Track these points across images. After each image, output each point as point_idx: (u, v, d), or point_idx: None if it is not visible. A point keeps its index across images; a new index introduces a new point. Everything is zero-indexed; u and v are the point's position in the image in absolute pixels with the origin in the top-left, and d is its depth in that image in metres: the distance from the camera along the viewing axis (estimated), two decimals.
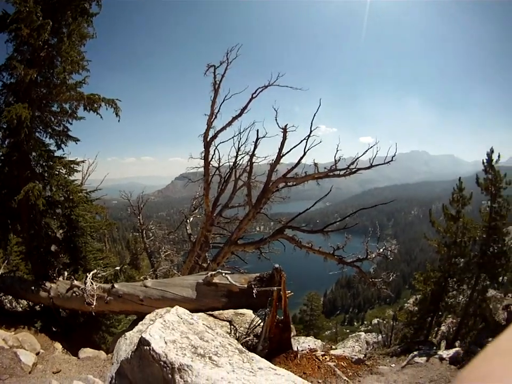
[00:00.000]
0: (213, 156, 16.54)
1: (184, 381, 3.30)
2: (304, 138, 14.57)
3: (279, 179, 15.28)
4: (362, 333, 15.80)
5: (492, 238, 14.42)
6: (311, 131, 14.46)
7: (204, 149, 16.25)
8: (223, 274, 9.15)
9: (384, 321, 29.20)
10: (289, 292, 9.10)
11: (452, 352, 11.71)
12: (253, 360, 3.87)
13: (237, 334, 8.21)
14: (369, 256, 14.30)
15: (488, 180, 14.43)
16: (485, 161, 14.63)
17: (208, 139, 16.11)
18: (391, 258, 15.39)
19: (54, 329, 11.95)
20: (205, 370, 3.34)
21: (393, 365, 11.36)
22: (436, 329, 17.46)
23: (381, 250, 14.63)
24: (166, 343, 3.80)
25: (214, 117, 15.83)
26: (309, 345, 10.39)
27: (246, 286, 8.81)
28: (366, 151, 14.18)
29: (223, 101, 15.79)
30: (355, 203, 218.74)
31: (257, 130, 15.39)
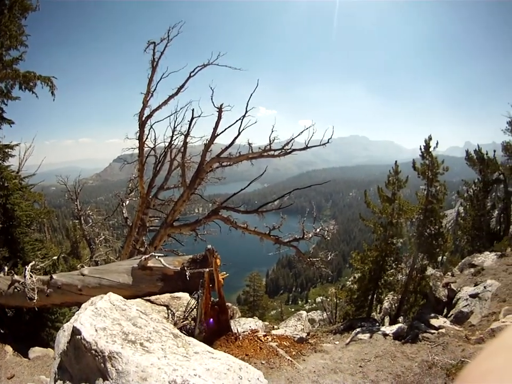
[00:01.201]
0: (147, 135, 15.99)
1: (115, 369, 3.19)
2: (239, 119, 14.44)
3: (213, 159, 15.08)
4: (304, 312, 15.90)
5: (429, 220, 14.89)
6: (246, 111, 14.34)
7: (138, 129, 15.65)
8: (157, 257, 8.78)
9: (328, 299, 29.87)
10: (224, 273, 8.88)
11: (395, 328, 12.02)
12: (189, 344, 3.88)
13: (175, 319, 8.05)
14: (305, 236, 14.46)
15: (425, 165, 14.87)
16: (422, 147, 15.04)
17: (143, 118, 15.53)
18: (328, 238, 15.60)
19: (1, 331, 11.34)
20: (134, 357, 3.26)
21: (337, 342, 11.50)
22: (379, 306, 17.94)
23: (318, 230, 14.83)
24: (96, 330, 3.69)
25: (150, 95, 15.26)
26: (250, 326, 10.27)
27: (179, 268, 8.53)
28: (301, 132, 14.28)
29: (160, 79, 15.32)
30: (292, 184, 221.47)
31: (193, 110, 15.05)
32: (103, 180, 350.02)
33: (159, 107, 15.61)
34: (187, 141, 15.54)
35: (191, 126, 15.32)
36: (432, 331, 11.45)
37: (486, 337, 9.64)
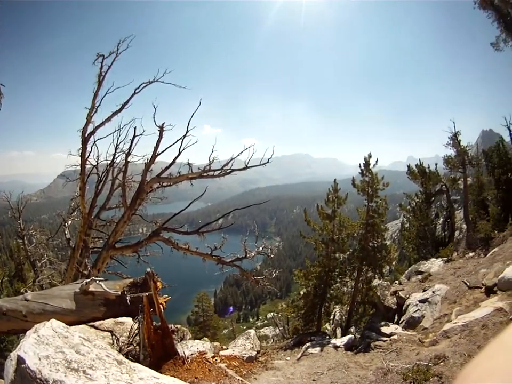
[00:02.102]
0: (89, 153, 15.47)
1: None
2: (180, 138, 14.33)
3: (153, 179, 14.80)
4: (252, 330, 15.84)
5: (371, 233, 15.27)
6: (187, 131, 14.27)
7: (81, 145, 15.14)
8: (97, 281, 8.45)
9: (279, 315, 29.89)
10: (166, 296, 8.70)
11: (345, 339, 12.16)
12: (134, 370, 3.86)
13: (120, 344, 7.77)
14: (248, 255, 14.33)
15: (365, 182, 15.28)
16: (362, 165, 15.44)
17: (86, 135, 15.01)
18: (272, 256, 15.54)
19: None
20: None
21: (288, 358, 11.48)
22: (332, 317, 18.14)
23: (261, 248, 14.73)
24: (39, 359, 3.62)
25: (94, 110, 14.78)
26: (198, 349, 10.06)
27: (120, 293, 8.25)
28: (241, 153, 14.38)
29: (106, 94, 14.84)
30: (236, 203, 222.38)
31: (135, 128, 14.83)
32: (47, 196, 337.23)
33: (102, 123, 15.11)
34: (128, 159, 15.25)
35: (133, 145, 15.05)
36: (384, 338, 11.74)
37: (439, 339, 9.84)
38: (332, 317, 19.96)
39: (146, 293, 7.74)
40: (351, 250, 16.52)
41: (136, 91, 15.07)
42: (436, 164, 27.93)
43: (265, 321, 70.01)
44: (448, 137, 26.79)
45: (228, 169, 14.55)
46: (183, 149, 14.25)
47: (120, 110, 15.06)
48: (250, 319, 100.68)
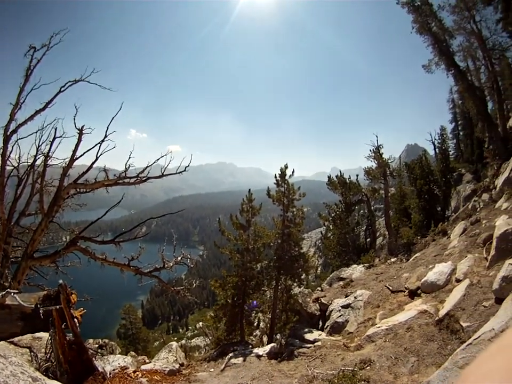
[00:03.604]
0: (10, 152, 14.51)
1: None
2: (99, 142, 13.87)
3: (69, 185, 14.11)
4: (174, 343, 15.65)
5: (287, 243, 15.51)
6: (105, 135, 13.84)
7: (2, 144, 14.18)
8: (12, 294, 7.88)
9: (208, 324, 29.71)
10: (81, 309, 8.31)
11: (268, 348, 12.12)
12: None
13: (38, 361, 7.34)
14: (166, 266, 14.09)
15: (281, 192, 15.53)
16: (277, 175, 15.69)
17: (8, 133, 14.08)
18: (191, 266, 15.35)
19: None
20: None
21: (212, 370, 11.30)
22: (260, 325, 18.20)
23: (179, 258, 14.51)
24: None
25: (18, 107, 13.86)
26: (119, 363, 9.75)
27: (33, 306, 7.77)
28: (157, 160, 14.34)
29: (31, 90, 13.96)
30: (159, 211, 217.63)
31: (55, 129, 14.14)
32: None
33: (25, 122, 14.15)
34: (48, 163, 14.42)
35: (53, 147, 14.31)
36: (308, 345, 11.84)
37: (363, 343, 9.96)
38: (256, 324, 20.05)
39: (57, 306, 7.34)
40: (267, 260, 16.72)
41: (62, 89, 14.33)
42: (357, 175, 29.74)
43: (195, 331, 69.08)
44: (370, 150, 28.41)
45: (143, 177, 14.28)
46: (101, 154, 13.79)
47: (43, 109, 14.24)
48: (180, 330, 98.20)
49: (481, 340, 5.94)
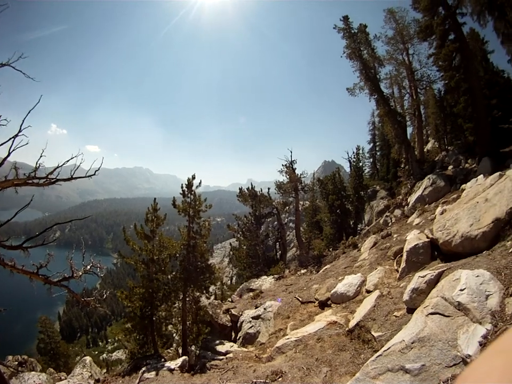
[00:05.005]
0: None
1: None
2: (12, 137, 12.86)
3: None
4: (88, 357, 15.03)
5: (193, 254, 15.34)
6: (20, 130, 12.78)
7: None
8: None
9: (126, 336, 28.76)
10: None
11: (179, 361, 11.98)
12: None
13: None
14: (75, 275, 13.24)
15: (187, 203, 15.38)
16: (184, 185, 15.53)
17: None
18: (101, 275, 14.66)
19: None
20: None
21: None
22: (175, 337, 17.89)
23: (88, 267, 13.70)
24: None
25: None
26: (34, 381, 9.19)
27: None
28: (67, 161, 13.14)
29: None
30: (74, 214, 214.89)
31: None
32: None
33: None
34: None
35: None
36: (221, 357, 11.73)
37: (274, 354, 9.88)
38: (173, 337, 19.70)
39: None
40: (173, 271, 16.43)
41: None
42: (269, 188, 30.46)
43: (115, 343, 66.50)
44: (283, 165, 29.65)
45: (52, 179, 13.38)
46: (13, 150, 12.79)
47: None
48: (100, 343, 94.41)
49: (391, 351, 6.07)
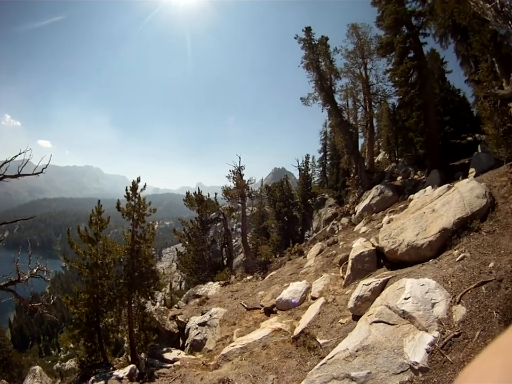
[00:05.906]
0: None
1: None
2: None
3: None
4: (38, 367, 14.76)
5: (137, 259, 15.28)
6: None
7: None
8: None
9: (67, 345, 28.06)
10: None
11: (127, 369, 11.84)
12: None
13: None
14: (21, 278, 12.89)
15: (131, 206, 15.34)
16: (129, 188, 15.51)
17: None
18: (48, 280, 14.41)
19: None
20: None
21: None
22: (126, 344, 17.72)
23: (35, 270, 13.39)
24: None
25: None
26: None
27: None
28: (14, 157, 12.96)
29: None
30: (23, 213, 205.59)
31: None
32: None
33: None
34: None
35: None
36: (168, 365, 11.65)
37: (220, 362, 9.90)
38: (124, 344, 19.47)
39: None
40: (117, 276, 16.27)
41: None
42: (216, 194, 30.51)
43: (68, 352, 64.02)
44: (230, 171, 30.05)
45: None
46: None
47: None
48: (52, 352, 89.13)
49: (335, 359, 6.20)
